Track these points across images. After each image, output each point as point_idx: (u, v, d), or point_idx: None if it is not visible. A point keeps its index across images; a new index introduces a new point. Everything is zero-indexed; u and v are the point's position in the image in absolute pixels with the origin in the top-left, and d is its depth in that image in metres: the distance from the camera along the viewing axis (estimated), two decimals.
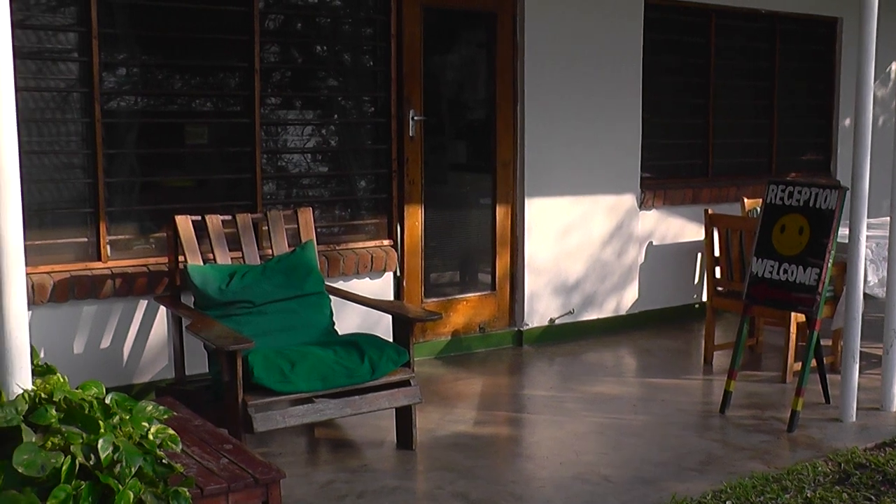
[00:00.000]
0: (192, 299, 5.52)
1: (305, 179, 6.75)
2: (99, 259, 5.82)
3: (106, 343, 5.82)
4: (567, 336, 7.77)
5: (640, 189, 8.11)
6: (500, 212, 7.48)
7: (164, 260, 5.85)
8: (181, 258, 5.58)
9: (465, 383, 6.67)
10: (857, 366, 5.88)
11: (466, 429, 5.79)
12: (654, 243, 8.29)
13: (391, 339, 5.40)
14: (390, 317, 5.55)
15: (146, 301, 5.91)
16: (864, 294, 6.11)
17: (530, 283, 7.57)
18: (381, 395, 5.16)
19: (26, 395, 2.92)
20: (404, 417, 5.40)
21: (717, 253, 7.18)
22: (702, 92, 8.69)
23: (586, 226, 7.81)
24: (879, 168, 6.14)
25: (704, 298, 7.52)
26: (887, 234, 6.15)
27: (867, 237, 6.03)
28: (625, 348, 7.70)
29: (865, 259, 6.15)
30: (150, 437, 3.06)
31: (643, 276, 8.23)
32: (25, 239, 3.05)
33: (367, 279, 6.76)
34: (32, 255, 5.48)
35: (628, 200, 8.05)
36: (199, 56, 6.20)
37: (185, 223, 5.57)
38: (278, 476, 3.68)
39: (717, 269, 7.17)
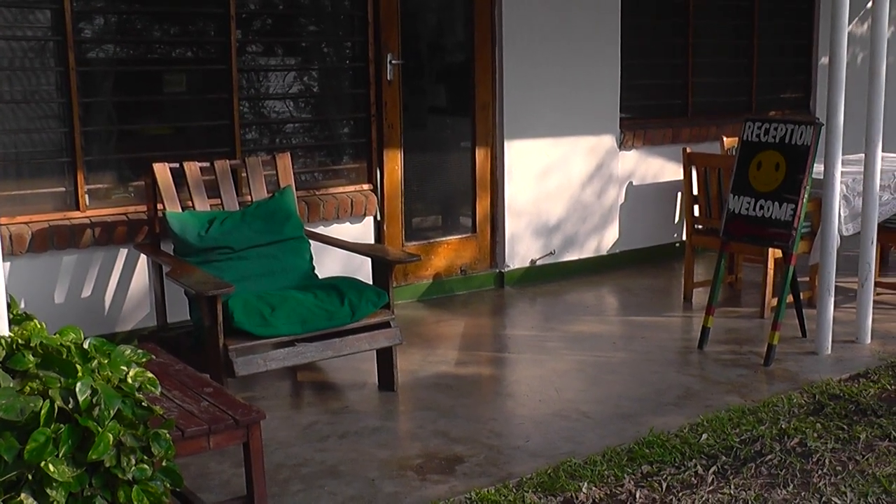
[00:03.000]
0: (172, 247, 5.55)
1: (284, 125, 6.75)
2: (77, 208, 5.82)
3: (87, 292, 5.85)
4: (548, 277, 7.82)
5: (620, 129, 8.11)
6: (480, 154, 7.49)
7: (143, 208, 5.86)
8: (160, 206, 5.59)
9: (446, 325, 6.72)
10: (833, 300, 5.96)
11: (448, 369, 5.85)
12: (634, 183, 8.31)
13: (371, 283, 5.44)
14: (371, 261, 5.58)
15: (126, 249, 5.92)
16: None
17: (511, 225, 7.59)
18: (362, 337, 5.20)
19: (3, 342, 2.94)
20: (385, 359, 5.45)
21: (695, 191, 7.21)
22: (681, 31, 8.65)
23: (566, 167, 7.83)
24: (860, 105, 6.14)
25: (685, 237, 7.56)
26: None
27: (843, 173, 6.07)
28: (605, 288, 7.76)
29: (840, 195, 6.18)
30: (129, 380, 3.08)
31: (623, 216, 8.26)
32: (1, 190, 3.05)
33: (348, 224, 6.78)
34: (9, 205, 5.49)
35: (608, 141, 8.06)
36: (175, 3, 6.16)
37: (163, 171, 5.56)
38: (259, 417, 3.72)
39: (696, 208, 7.21)
